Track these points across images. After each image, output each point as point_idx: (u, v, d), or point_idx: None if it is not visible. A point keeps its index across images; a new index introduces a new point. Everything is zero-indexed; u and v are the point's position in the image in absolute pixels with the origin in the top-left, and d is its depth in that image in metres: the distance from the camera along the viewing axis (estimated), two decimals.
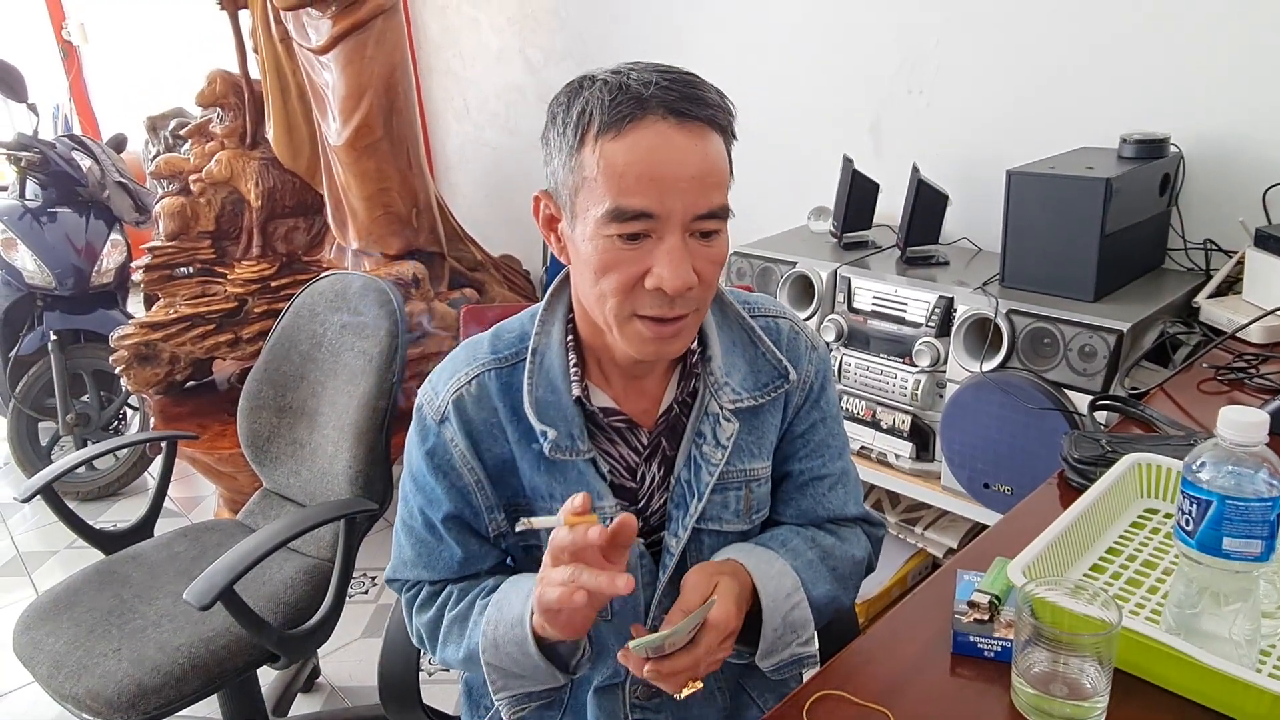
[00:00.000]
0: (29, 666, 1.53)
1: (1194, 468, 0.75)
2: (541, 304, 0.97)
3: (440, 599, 1.02)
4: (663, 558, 0.98)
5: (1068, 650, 0.75)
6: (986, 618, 0.86)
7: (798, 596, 0.93)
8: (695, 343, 0.95)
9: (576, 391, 0.93)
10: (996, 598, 0.88)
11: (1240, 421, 0.73)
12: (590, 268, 0.83)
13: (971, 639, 0.85)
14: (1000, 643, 0.84)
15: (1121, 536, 0.99)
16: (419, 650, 1.13)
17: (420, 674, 1.22)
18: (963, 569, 0.94)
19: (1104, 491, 0.98)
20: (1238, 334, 1.48)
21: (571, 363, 0.94)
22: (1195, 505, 0.75)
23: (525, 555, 1.03)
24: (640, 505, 0.99)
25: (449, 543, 1.00)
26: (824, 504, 1.03)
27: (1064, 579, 0.82)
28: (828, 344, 1.89)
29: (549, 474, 0.95)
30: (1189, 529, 0.76)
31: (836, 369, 1.87)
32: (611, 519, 0.95)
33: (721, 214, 0.83)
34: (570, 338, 0.95)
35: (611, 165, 0.79)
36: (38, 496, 1.72)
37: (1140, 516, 1.03)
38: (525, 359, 0.94)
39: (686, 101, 0.79)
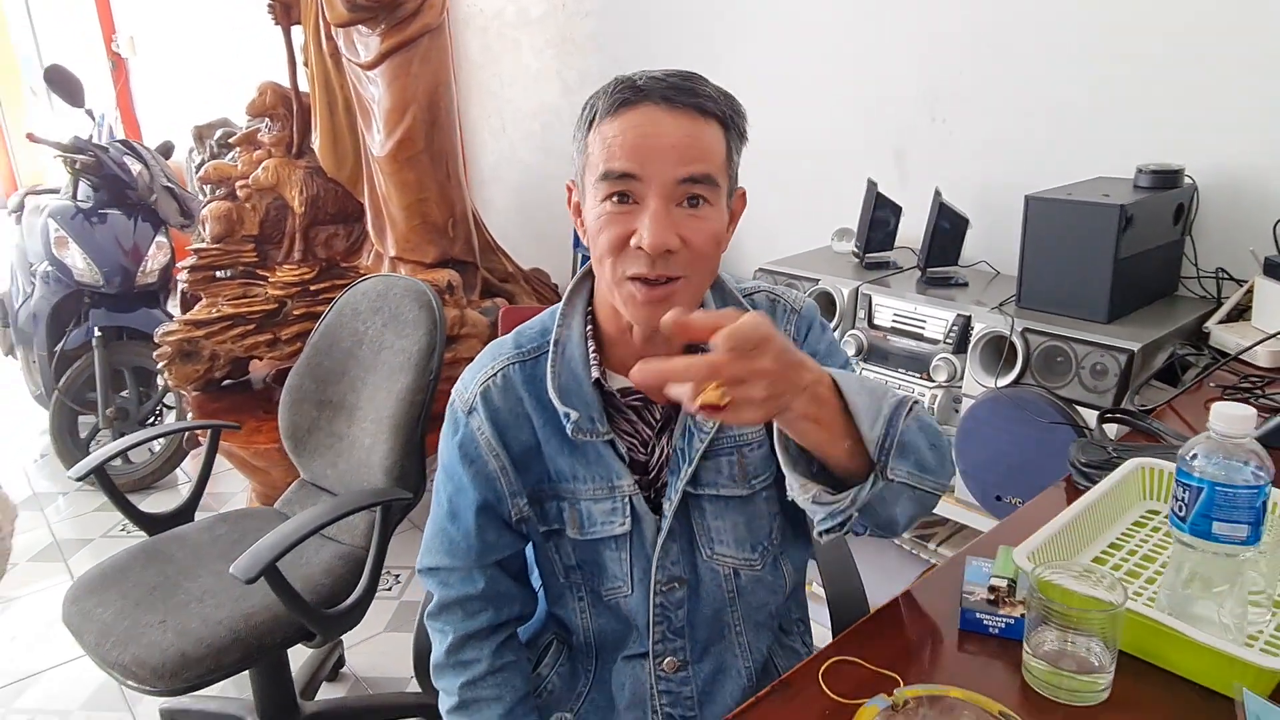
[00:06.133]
0: (77, 635, 1.61)
1: (1188, 458, 0.82)
2: (562, 301, 1.06)
3: (463, 678, 1.08)
4: (660, 521, 1.04)
5: (1076, 629, 0.81)
6: (995, 599, 0.92)
7: (863, 378, 0.89)
8: None
9: (595, 374, 1.01)
10: (1012, 581, 0.94)
11: (1230, 415, 0.79)
12: (593, 233, 0.94)
13: (978, 616, 0.91)
14: (1005, 620, 0.90)
15: (1123, 534, 1.05)
16: None
17: None
18: (971, 555, 1.00)
19: (1107, 490, 1.04)
20: (1246, 358, 1.53)
21: (591, 349, 1.02)
22: (1188, 492, 0.81)
23: (545, 541, 1.10)
24: (652, 476, 1.06)
25: (469, 530, 1.07)
26: None
27: (1071, 563, 0.88)
28: (848, 358, 1.95)
29: (572, 456, 1.04)
30: (1182, 514, 0.82)
31: None
32: (630, 499, 1.03)
33: (704, 181, 0.91)
34: (590, 328, 1.03)
35: (604, 139, 0.91)
36: (84, 480, 1.82)
37: (1142, 517, 1.08)
38: (547, 351, 1.03)
39: (677, 91, 0.91)
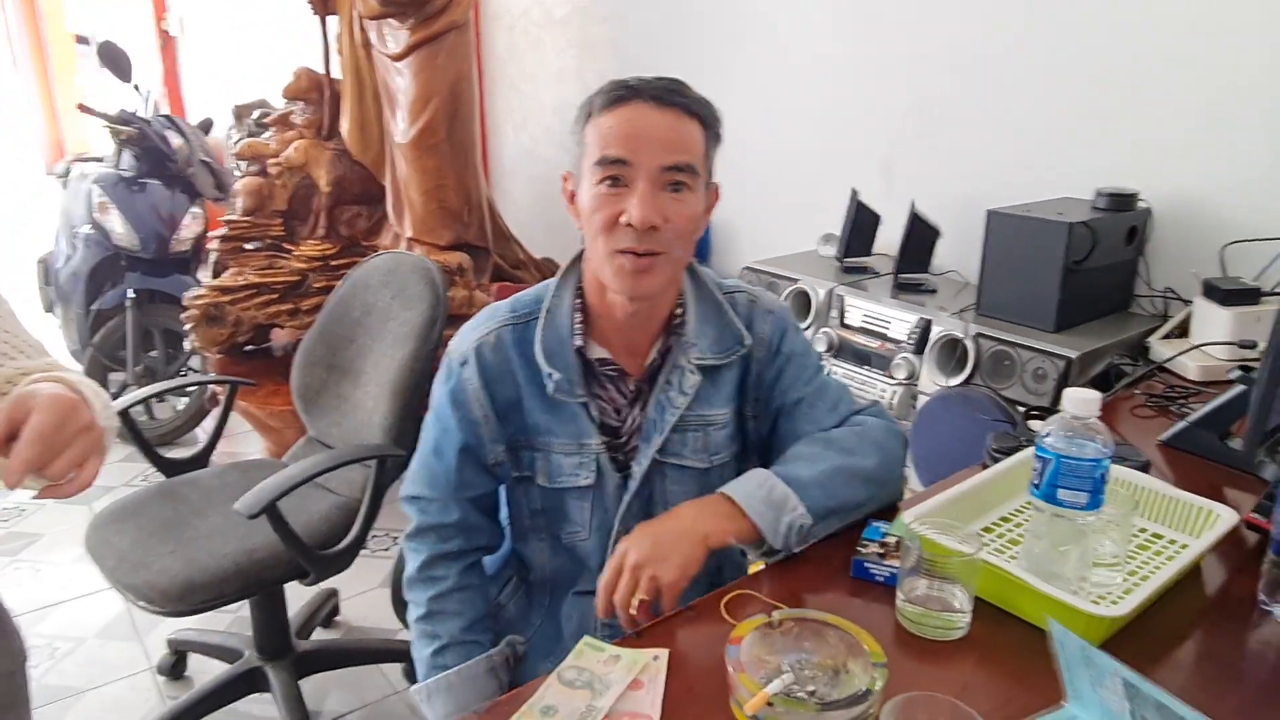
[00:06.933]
0: (97, 560, 1.78)
1: (1043, 434, 0.95)
2: (558, 276, 1.20)
3: (431, 591, 1.22)
4: (629, 483, 1.18)
5: (941, 575, 0.95)
6: (884, 552, 1.06)
7: (770, 482, 1.08)
8: (679, 307, 1.17)
9: (579, 343, 1.15)
10: (900, 539, 1.08)
11: (1079, 399, 0.92)
12: (587, 213, 1.08)
13: (867, 565, 1.04)
14: (889, 569, 1.03)
15: (1015, 510, 1.18)
16: None
17: None
18: (873, 519, 1.14)
19: (1002, 471, 1.18)
20: (1179, 371, 1.65)
21: (576, 321, 1.16)
22: (1042, 463, 0.95)
23: (516, 485, 1.24)
24: (623, 440, 1.20)
25: (450, 467, 1.20)
26: (813, 418, 1.20)
27: (943, 522, 1.02)
28: (820, 354, 2.08)
29: (549, 413, 1.17)
30: (1036, 483, 0.96)
31: None
32: (597, 457, 1.17)
33: (686, 170, 1.06)
34: (578, 301, 1.17)
35: (600, 129, 1.06)
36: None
37: None
38: (538, 317, 1.17)
39: (665, 92, 1.06)
